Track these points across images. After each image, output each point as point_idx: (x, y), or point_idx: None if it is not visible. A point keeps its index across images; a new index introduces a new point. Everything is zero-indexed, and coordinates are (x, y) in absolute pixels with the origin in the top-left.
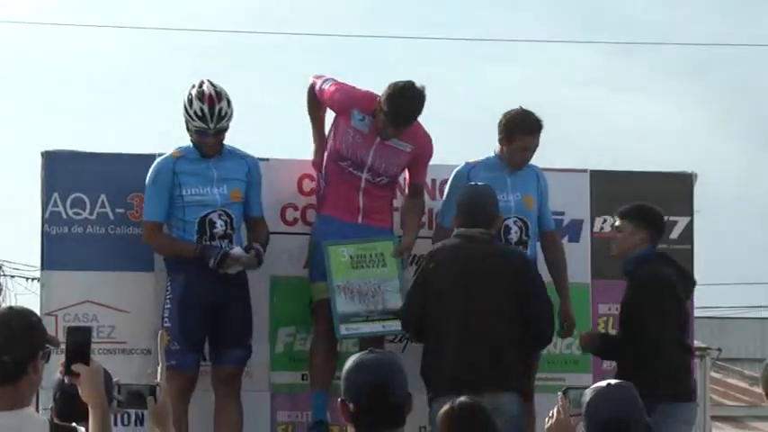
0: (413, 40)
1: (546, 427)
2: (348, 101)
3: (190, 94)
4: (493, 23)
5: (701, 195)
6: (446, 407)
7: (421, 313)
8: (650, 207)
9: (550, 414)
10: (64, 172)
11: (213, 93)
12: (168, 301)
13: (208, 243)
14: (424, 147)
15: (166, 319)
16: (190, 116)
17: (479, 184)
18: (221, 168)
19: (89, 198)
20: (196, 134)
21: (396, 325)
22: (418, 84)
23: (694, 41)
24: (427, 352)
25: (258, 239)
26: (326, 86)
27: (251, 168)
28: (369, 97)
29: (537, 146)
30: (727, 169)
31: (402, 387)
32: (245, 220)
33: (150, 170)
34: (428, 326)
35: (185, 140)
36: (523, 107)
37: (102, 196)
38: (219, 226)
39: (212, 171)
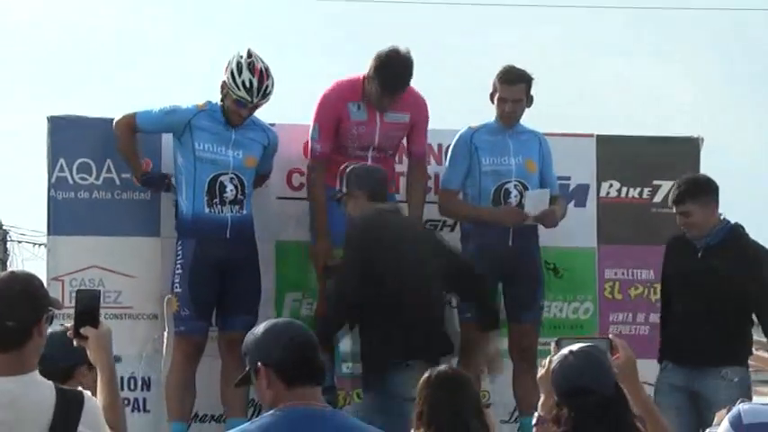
0: (408, 4)
1: (538, 377)
2: (336, 102)
3: (239, 62)
4: None
5: (716, 162)
6: (425, 374)
7: None
8: (704, 177)
9: (542, 364)
10: (70, 137)
11: (263, 68)
12: (179, 266)
13: (150, 175)
14: (420, 112)
15: (177, 285)
16: (235, 84)
17: None
18: (240, 134)
19: (95, 163)
20: (234, 103)
21: None
22: (402, 48)
23: (710, 6)
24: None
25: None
26: (315, 136)
27: (271, 141)
28: (352, 83)
29: (520, 100)
30: (739, 137)
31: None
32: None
33: (171, 104)
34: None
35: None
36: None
37: (109, 161)
38: (230, 190)
39: (231, 134)
